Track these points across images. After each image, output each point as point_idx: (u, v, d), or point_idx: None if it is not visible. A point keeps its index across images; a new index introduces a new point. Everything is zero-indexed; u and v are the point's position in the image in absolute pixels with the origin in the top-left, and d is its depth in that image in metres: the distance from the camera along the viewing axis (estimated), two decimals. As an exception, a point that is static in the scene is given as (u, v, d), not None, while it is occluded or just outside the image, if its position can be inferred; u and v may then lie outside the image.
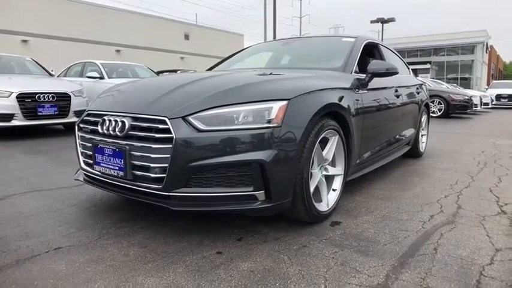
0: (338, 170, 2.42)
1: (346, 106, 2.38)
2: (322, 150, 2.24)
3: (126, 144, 1.92)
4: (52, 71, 7.35)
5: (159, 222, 2.20)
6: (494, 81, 21.84)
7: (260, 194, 1.85)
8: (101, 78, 7.72)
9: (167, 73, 11.43)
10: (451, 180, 3.35)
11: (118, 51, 22.78)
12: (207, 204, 1.85)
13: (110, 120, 2.04)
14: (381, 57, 3.60)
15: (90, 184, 2.24)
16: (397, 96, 3.41)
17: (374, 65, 2.84)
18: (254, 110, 1.88)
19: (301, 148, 1.97)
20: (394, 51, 4.22)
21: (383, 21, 30.16)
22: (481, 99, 13.26)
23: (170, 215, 2.28)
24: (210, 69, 3.60)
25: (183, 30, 27.73)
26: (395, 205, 2.63)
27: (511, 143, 5.90)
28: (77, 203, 2.55)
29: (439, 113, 10.96)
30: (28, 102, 5.26)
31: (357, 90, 2.64)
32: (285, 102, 1.93)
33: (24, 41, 18.70)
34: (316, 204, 2.16)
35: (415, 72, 31.01)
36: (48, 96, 5.45)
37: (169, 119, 1.84)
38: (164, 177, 1.83)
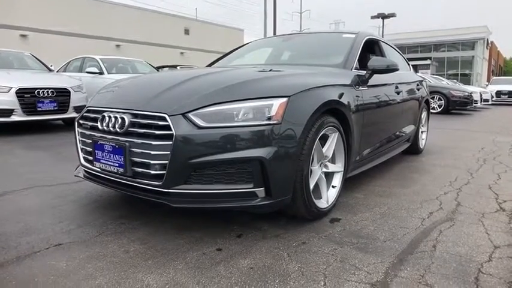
0: (338, 167, 2.42)
1: (346, 103, 2.38)
2: (322, 147, 2.24)
3: (126, 141, 1.92)
4: (51, 66, 7.33)
5: (159, 218, 2.20)
6: (494, 78, 21.81)
7: (260, 191, 1.86)
8: (101, 73, 7.70)
9: (167, 68, 11.39)
10: (451, 177, 3.36)
11: (118, 46, 22.71)
12: (207, 201, 1.86)
13: (109, 117, 2.03)
14: (382, 54, 3.59)
15: (90, 180, 2.24)
16: (398, 93, 3.40)
17: (374, 61, 2.83)
18: (254, 106, 1.87)
19: (301, 145, 1.97)
20: (395, 47, 4.21)
21: (383, 16, 30.04)
22: (481, 95, 13.26)
23: (170, 212, 2.28)
24: (210, 65, 3.59)
25: (183, 25, 27.63)
26: (395, 202, 2.63)
27: (510, 140, 5.91)
28: (77, 199, 2.55)
29: (439, 109, 10.96)
30: (27, 97, 5.25)
31: (357, 86, 2.63)
32: (285, 99, 1.93)
33: (23, 36, 18.63)
34: (315, 201, 2.16)
35: (416, 68, 30.99)
36: (47, 91, 5.44)
37: (169, 116, 1.84)
38: (164, 173, 1.83)
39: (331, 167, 2.37)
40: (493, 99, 16.67)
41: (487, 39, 36.36)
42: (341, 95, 2.35)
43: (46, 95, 5.42)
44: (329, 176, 2.39)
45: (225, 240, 1.94)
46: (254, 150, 1.81)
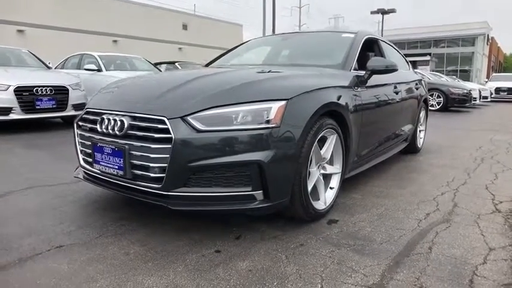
0: (336, 169, 2.44)
1: (344, 105, 2.40)
2: (320, 149, 2.26)
3: (125, 144, 1.93)
4: (49, 63, 7.31)
5: (158, 220, 2.22)
6: (494, 74, 21.83)
7: (258, 194, 1.88)
8: (99, 70, 7.68)
9: (165, 65, 11.37)
10: (448, 177, 3.39)
11: (115, 41, 22.61)
12: (205, 203, 1.88)
13: (108, 119, 2.05)
14: (381, 53, 3.60)
15: (90, 182, 2.25)
16: (396, 93, 3.42)
17: (373, 62, 2.84)
18: (253, 110, 1.89)
19: (300, 148, 1.99)
20: (394, 46, 4.22)
21: (383, 12, 29.92)
22: (480, 92, 13.28)
23: (169, 213, 2.30)
24: (208, 64, 3.60)
25: (181, 20, 27.50)
26: (392, 203, 2.66)
27: (508, 138, 5.93)
28: (77, 200, 2.57)
29: (438, 107, 10.98)
30: (26, 95, 5.25)
31: (355, 88, 2.64)
32: (283, 103, 1.94)
33: (20, 31, 18.52)
34: (313, 203, 2.19)
35: (415, 64, 30.94)
36: (45, 89, 5.43)
37: (168, 119, 1.85)
38: (163, 176, 1.85)
39: (329, 169, 2.40)
40: (492, 96, 16.69)
41: (488, 35, 36.29)
42: (340, 97, 2.36)
43: (44, 93, 5.41)
44: (327, 177, 2.41)
45: (224, 242, 1.97)
46: (252, 153, 1.82)
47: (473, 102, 11.91)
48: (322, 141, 2.29)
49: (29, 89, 5.28)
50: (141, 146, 1.89)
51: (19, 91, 5.20)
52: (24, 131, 5.45)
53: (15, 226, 2.12)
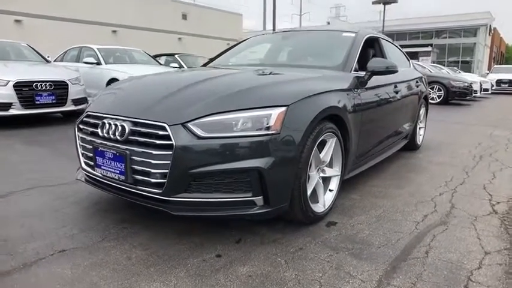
0: (335, 171, 2.47)
1: (344, 108, 2.41)
2: (320, 153, 2.28)
3: (127, 149, 1.95)
4: (48, 56, 7.28)
5: (160, 222, 2.25)
6: (495, 66, 21.72)
7: (258, 200, 1.91)
8: (98, 63, 7.66)
9: (165, 57, 11.31)
10: (446, 176, 3.41)
11: (114, 31, 22.41)
12: (206, 209, 1.91)
13: (109, 124, 2.06)
14: (381, 51, 3.59)
15: (92, 185, 2.28)
16: (396, 92, 3.42)
17: (374, 62, 2.84)
18: (253, 116, 1.90)
19: (299, 153, 2.01)
20: (395, 44, 4.21)
21: (385, 2, 29.65)
22: (481, 85, 13.25)
23: (171, 215, 2.31)
24: (208, 63, 3.59)
25: (180, 9, 27.21)
26: (391, 203, 2.69)
27: (507, 134, 5.95)
28: (79, 201, 2.60)
29: (438, 100, 10.97)
30: (25, 91, 5.24)
31: (355, 90, 2.65)
32: (283, 109, 1.95)
33: (18, 21, 18.34)
34: (312, 206, 2.21)
35: (416, 55, 30.72)
36: (45, 84, 5.42)
37: (169, 126, 1.86)
38: (164, 182, 1.87)
39: (329, 172, 2.42)
40: (493, 88, 16.66)
41: (490, 26, 35.96)
42: (340, 101, 2.37)
43: (44, 88, 5.41)
44: (326, 180, 2.43)
45: (224, 245, 2.00)
46: (253, 160, 1.84)
47: (473, 95, 11.89)
48: (322, 145, 2.30)
49: (28, 84, 5.28)
50: (142, 151, 1.90)
51: (19, 86, 5.19)
52: (24, 127, 5.46)
53: (19, 229, 2.15)
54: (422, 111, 4.56)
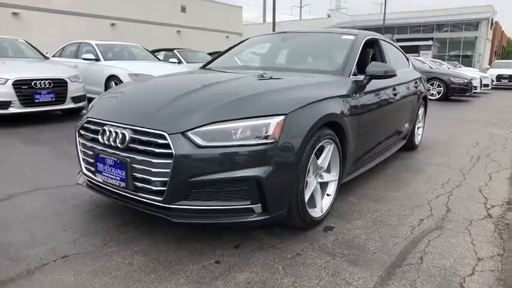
0: (333, 176, 2.50)
1: (343, 115, 2.43)
2: (318, 159, 2.31)
3: (127, 157, 1.98)
4: (47, 53, 7.26)
5: (160, 227, 2.29)
6: (496, 61, 21.67)
7: (257, 207, 1.94)
8: (97, 60, 7.65)
9: (164, 52, 11.28)
10: (443, 179, 3.45)
11: (113, 24, 22.27)
12: (206, 216, 1.94)
13: (110, 131, 2.08)
14: (381, 53, 3.60)
15: (93, 190, 2.31)
16: (395, 95, 3.44)
17: (373, 67, 2.86)
18: (252, 126, 1.93)
19: (298, 161, 2.04)
20: (395, 44, 4.22)
21: (386, -6, 29.41)
22: (481, 81, 13.23)
23: (171, 221, 2.37)
24: (207, 64, 3.60)
25: (179, 2, 27.01)
26: (387, 207, 2.73)
27: (505, 133, 5.98)
28: (80, 204, 2.64)
29: (438, 96, 10.97)
30: (25, 89, 5.25)
31: (354, 95, 2.67)
32: (282, 118, 1.98)
33: (15, 14, 18.21)
34: (310, 211, 2.25)
35: (417, 48, 30.50)
36: (44, 82, 5.43)
37: (168, 134, 1.89)
38: (165, 190, 1.90)
39: (326, 177, 2.45)
40: (494, 83, 16.64)
41: (492, 19, 35.75)
42: (338, 108, 2.40)
43: (43, 86, 5.41)
44: (324, 185, 2.47)
45: (223, 251, 2.04)
46: (251, 169, 1.88)
47: (473, 91, 11.89)
48: (320, 151, 2.33)
49: (27, 83, 5.28)
50: (143, 160, 1.93)
51: (18, 85, 5.20)
52: (23, 125, 5.48)
53: (21, 233, 2.19)
54: (421, 111, 4.58)
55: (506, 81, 17.49)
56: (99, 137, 2.14)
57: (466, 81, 10.97)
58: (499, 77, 17.51)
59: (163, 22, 25.08)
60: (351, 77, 2.80)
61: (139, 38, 20.21)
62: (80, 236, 2.17)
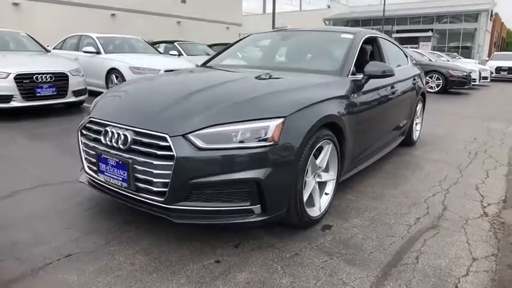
0: (331, 175, 2.53)
1: (341, 115, 2.46)
2: (316, 159, 2.34)
3: (129, 158, 2.01)
4: (48, 46, 7.24)
5: (161, 225, 2.33)
6: (495, 53, 21.59)
7: (256, 208, 1.98)
8: (98, 53, 7.64)
9: (164, 44, 11.23)
10: (441, 175, 3.49)
11: (113, 15, 22.09)
12: (206, 217, 1.98)
13: (112, 132, 2.11)
14: (379, 51, 3.61)
15: (95, 189, 2.35)
16: (393, 93, 3.46)
17: (371, 66, 2.87)
18: (252, 128, 1.96)
19: (296, 162, 2.07)
20: (394, 41, 4.22)
21: (386, -15, 29.11)
22: (480, 73, 13.21)
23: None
24: (206, 62, 3.61)
25: (179, -8, 26.74)
26: (385, 205, 2.77)
27: (503, 127, 6.01)
28: (82, 201, 2.67)
29: (437, 89, 10.97)
30: (26, 83, 5.25)
31: (352, 95, 2.69)
32: (281, 120, 2.01)
33: (15, 4, 18.05)
34: (308, 210, 2.29)
35: (417, 40, 30.24)
36: (46, 76, 5.43)
37: (170, 137, 1.92)
38: (166, 191, 1.94)
39: (325, 176, 2.49)
40: (493, 75, 16.61)
41: (491, 11, 35.49)
42: (337, 108, 2.42)
43: (45, 80, 5.42)
44: (322, 184, 2.50)
45: (224, 250, 2.09)
46: (251, 171, 1.91)
47: (472, 83, 11.88)
48: (318, 151, 2.36)
49: (29, 77, 5.29)
50: (145, 161, 1.96)
51: (19, 79, 5.20)
52: (25, 118, 5.49)
53: (25, 231, 2.23)
54: (419, 107, 4.60)
55: (506, 73, 17.47)
56: (102, 138, 2.16)
57: (465, 74, 10.96)
58: (498, 69, 17.49)
59: (164, 13, 24.87)
60: (349, 76, 2.82)
61: (139, 28, 20.06)
62: (83, 235, 2.21)
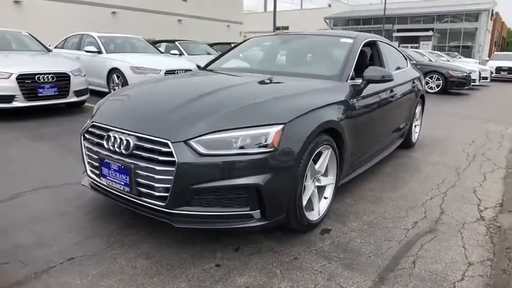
0: (330, 179, 2.57)
1: (341, 120, 2.49)
2: (315, 163, 2.38)
3: (131, 163, 2.04)
4: (49, 45, 7.26)
5: (162, 228, 2.36)
6: (495, 53, 21.62)
7: (256, 213, 2.02)
8: (99, 52, 7.66)
9: (165, 43, 11.24)
10: (439, 178, 3.52)
11: (114, 13, 22.09)
12: (206, 222, 2.02)
13: (114, 137, 2.14)
14: (379, 55, 3.63)
15: (97, 192, 2.38)
16: (392, 97, 3.49)
17: (370, 71, 2.90)
18: (252, 135, 1.99)
19: (296, 167, 2.10)
20: (393, 45, 4.25)
21: (387, -16, 29.08)
22: (479, 74, 13.22)
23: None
24: (207, 66, 3.64)
25: (180, -10, 26.71)
26: (383, 209, 2.81)
27: (502, 129, 6.04)
28: (83, 204, 2.71)
29: (437, 89, 10.99)
30: (28, 83, 5.28)
31: (351, 99, 2.72)
32: (281, 127, 2.04)
33: (17, 2, 18.05)
34: (307, 214, 2.32)
35: (417, 39, 30.25)
36: (47, 76, 5.46)
37: (172, 143, 1.95)
38: (167, 196, 1.97)
39: (324, 181, 2.52)
40: (493, 75, 16.64)
41: (492, 10, 35.48)
42: (336, 114, 2.45)
43: (46, 80, 5.44)
44: (321, 188, 2.54)
45: (224, 254, 2.12)
46: (251, 177, 1.94)
47: (472, 84, 11.90)
48: (318, 155, 2.39)
49: (31, 77, 5.31)
50: (146, 166, 2.00)
51: (21, 79, 5.23)
52: (26, 119, 5.51)
53: (28, 234, 2.27)
54: (418, 109, 4.63)
55: (506, 73, 17.51)
56: (104, 143, 2.20)
57: (465, 74, 10.98)
58: (498, 69, 17.52)
59: (165, 11, 24.87)
60: (348, 81, 2.85)
61: (140, 26, 20.07)
62: (85, 238, 2.25)
